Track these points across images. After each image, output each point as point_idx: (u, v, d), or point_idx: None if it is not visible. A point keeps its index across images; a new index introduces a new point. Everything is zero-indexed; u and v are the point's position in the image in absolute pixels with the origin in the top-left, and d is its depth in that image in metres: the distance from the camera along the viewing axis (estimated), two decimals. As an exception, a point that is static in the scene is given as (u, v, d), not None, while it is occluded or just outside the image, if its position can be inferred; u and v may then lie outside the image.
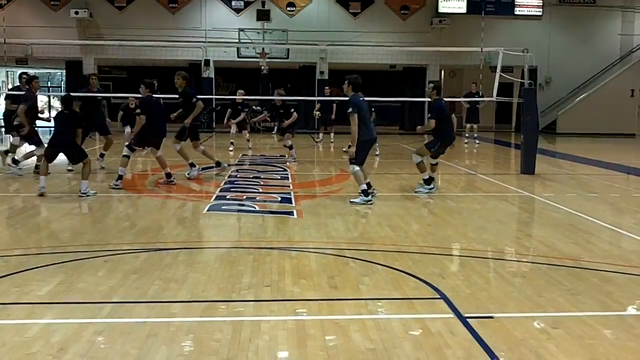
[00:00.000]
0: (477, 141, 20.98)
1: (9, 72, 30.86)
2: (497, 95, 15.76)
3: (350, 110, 9.24)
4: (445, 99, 11.15)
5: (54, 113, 33.33)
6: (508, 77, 16.28)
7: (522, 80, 14.10)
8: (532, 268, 6.18)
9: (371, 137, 9.60)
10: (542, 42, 26.69)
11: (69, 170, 12.37)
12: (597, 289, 5.40)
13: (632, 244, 7.36)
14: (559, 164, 16.01)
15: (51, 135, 10.12)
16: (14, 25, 23.19)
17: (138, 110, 10.71)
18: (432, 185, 10.51)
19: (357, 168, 9.42)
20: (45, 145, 10.39)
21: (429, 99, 10.93)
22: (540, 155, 14.41)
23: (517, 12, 27.39)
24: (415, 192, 10.51)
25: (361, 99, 9.46)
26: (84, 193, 9.65)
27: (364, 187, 9.43)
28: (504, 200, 10.17)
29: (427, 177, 10.53)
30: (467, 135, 21.54)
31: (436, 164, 10.86)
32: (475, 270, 5.94)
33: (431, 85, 10.93)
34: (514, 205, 9.91)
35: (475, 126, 21.24)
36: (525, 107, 13.50)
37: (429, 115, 10.68)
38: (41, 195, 9.54)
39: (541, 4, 27.42)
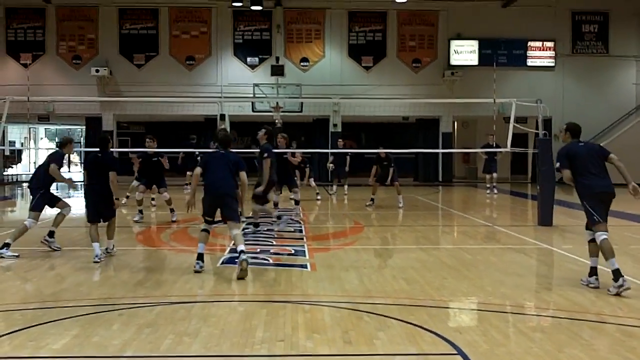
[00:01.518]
0: (495, 191, 20.92)
1: (32, 129, 31.46)
2: (511, 146, 15.75)
3: (265, 155, 10.61)
4: (460, 150, 11.05)
5: (73, 168, 33.86)
6: (522, 127, 16.31)
7: (537, 131, 14.09)
8: (552, 322, 6.05)
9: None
10: (556, 92, 26.81)
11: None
12: (620, 344, 5.26)
13: (653, 296, 7.19)
14: (577, 215, 15.78)
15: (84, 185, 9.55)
16: (38, 84, 23.77)
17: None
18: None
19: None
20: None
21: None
22: (558, 206, 14.28)
23: (529, 64, 27.61)
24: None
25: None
26: (109, 252, 9.26)
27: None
28: (521, 252, 10.04)
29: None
30: (487, 185, 21.52)
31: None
32: (494, 325, 5.82)
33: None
34: (532, 258, 9.77)
35: (494, 176, 21.23)
36: (540, 158, 13.45)
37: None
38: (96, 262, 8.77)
39: (554, 55, 27.63)
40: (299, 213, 13.95)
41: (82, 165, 10.21)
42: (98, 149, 9.40)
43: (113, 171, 9.08)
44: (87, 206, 9.39)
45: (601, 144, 7.69)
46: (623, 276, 6.97)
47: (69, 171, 32.47)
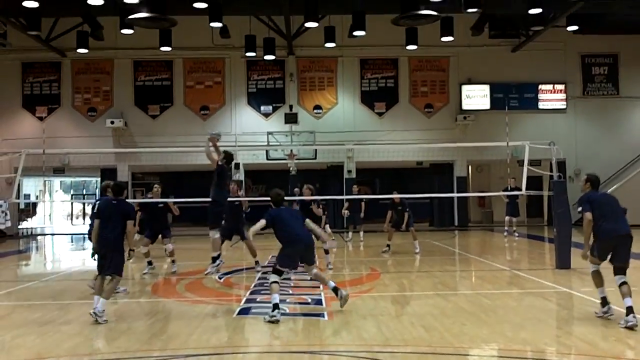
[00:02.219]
0: (516, 235, 20.86)
1: (47, 181, 31.81)
2: (526, 189, 15.70)
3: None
4: (475, 194, 11.05)
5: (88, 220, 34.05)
6: (536, 170, 16.27)
7: (551, 173, 14.04)
8: (574, 368, 5.94)
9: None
10: (568, 134, 26.80)
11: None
12: (644, 390, 5.16)
13: (677, 339, 7.06)
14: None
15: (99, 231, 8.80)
16: (53, 136, 24.15)
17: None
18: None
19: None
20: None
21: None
22: (575, 249, 14.11)
23: (540, 107, 27.66)
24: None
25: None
26: (99, 314, 8.32)
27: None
28: (540, 296, 9.92)
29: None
30: (506, 229, 21.50)
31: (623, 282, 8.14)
32: (514, 372, 5.73)
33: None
34: (551, 302, 9.65)
35: (514, 220, 21.38)
36: (556, 200, 13.40)
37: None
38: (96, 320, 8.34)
39: (565, 98, 27.69)
40: (329, 263, 13.74)
41: (93, 212, 9.70)
42: (113, 196, 9.09)
43: (130, 220, 8.73)
44: (98, 256, 8.83)
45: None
46: (609, 303, 8.09)
47: (83, 223, 32.70)
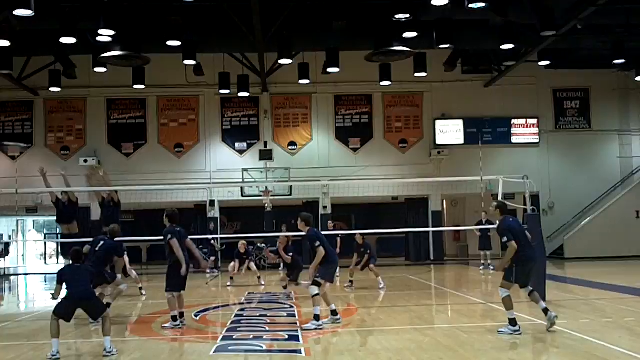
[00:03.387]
0: (492, 268, 20.99)
1: (20, 221, 31.34)
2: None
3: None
4: (450, 228, 11.26)
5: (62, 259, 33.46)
6: (510, 204, 16.41)
7: (525, 207, 14.19)
8: (551, 399, 5.93)
9: None
10: (541, 168, 27.20)
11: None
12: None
13: (652, 369, 7.11)
14: (569, 290, 15.79)
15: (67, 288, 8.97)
16: (26, 176, 23.83)
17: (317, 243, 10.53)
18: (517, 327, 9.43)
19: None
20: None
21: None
22: (550, 281, 14.25)
23: (514, 141, 28.04)
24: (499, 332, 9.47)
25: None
26: (109, 352, 8.47)
27: None
28: (516, 329, 9.92)
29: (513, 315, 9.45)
30: (482, 262, 21.70)
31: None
32: (492, 405, 5.71)
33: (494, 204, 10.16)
34: (527, 335, 9.64)
35: (488, 253, 21.72)
36: (529, 233, 13.49)
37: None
38: None
39: (537, 132, 28.12)
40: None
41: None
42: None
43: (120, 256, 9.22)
44: (65, 304, 8.81)
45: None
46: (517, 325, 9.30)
47: (57, 262, 32.18)
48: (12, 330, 11.37)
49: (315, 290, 10.25)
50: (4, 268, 29.69)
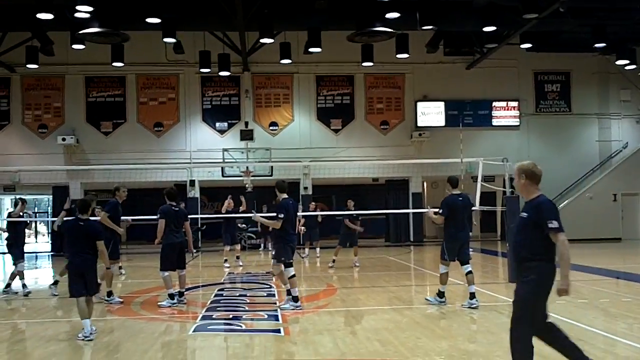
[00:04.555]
0: (471, 250, 21.16)
1: (-1, 198, 30.98)
2: (480, 204, 15.93)
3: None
4: (430, 210, 11.39)
5: (40, 239, 33.20)
6: (490, 186, 16.57)
7: (504, 189, 14.29)
8: (527, 379, 5.99)
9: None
10: (521, 150, 27.29)
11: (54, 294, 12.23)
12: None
13: (625, 349, 7.24)
14: (546, 271, 15.93)
15: (69, 255, 8.72)
16: (2, 154, 23.54)
17: None
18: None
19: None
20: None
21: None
22: (528, 263, 14.36)
23: (494, 124, 28.15)
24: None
25: None
26: (88, 336, 8.17)
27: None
28: (493, 310, 10.05)
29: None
30: None
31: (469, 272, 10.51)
32: (469, 383, 5.77)
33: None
34: (503, 315, 9.74)
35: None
36: (508, 215, 13.62)
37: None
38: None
39: (518, 115, 28.24)
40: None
41: (60, 233, 9.21)
42: (77, 215, 8.64)
43: (99, 240, 8.51)
44: (70, 278, 8.46)
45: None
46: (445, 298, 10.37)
47: (36, 241, 31.91)
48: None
49: (291, 271, 10.23)
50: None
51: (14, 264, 12.87)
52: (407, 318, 9.42)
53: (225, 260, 17.80)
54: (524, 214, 5.42)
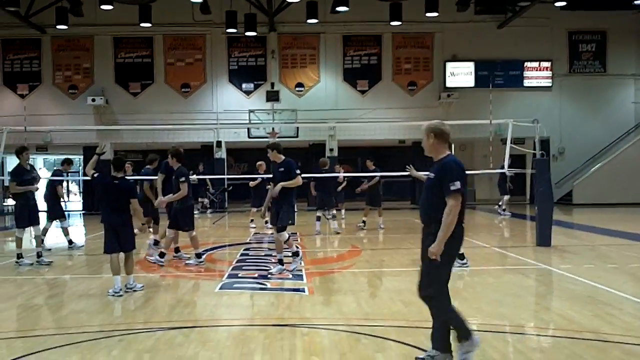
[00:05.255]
0: (503, 213, 21.22)
1: (32, 159, 31.36)
2: (509, 167, 15.74)
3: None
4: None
5: (72, 197, 33.73)
6: (519, 148, 16.31)
7: (534, 152, 14.06)
8: (551, 342, 5.99)
9: None
10: (553, 112, 26.84)
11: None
12: (619, 361, 5.21)
13: (654, 313, 7.15)
14: (576, 235, 15.81)
15: (103, 213, 8.83)
16: (35, 114, 23.81)
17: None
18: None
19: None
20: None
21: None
22: (557, 227, 14.24)
23: (526, 84, 27.63)
24: None
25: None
26: (131, 288, 8.62)
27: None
28: (519, 273, 9.98)
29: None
30: (503, 207, 21.62)
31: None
32: (492, 345, 5.76)
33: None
34: (530, 278, 9.71)
35: (505, 198, 21.67)
36: (538, 178, 13.42)
37: None
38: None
39: (551, 75, 27.66)
40: None
41: (94, 191, 9.40)
42: (112, 174, 8.77)
43: (134, 198, 8.70)
44: (105, 235, 8.70)
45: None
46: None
47: (68, 200, 32.40)
48: (23, 266, 11.53)
49: (285, 235, 9.98)
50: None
51: (54, 221, 13.46)
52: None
53: (252, 221, 17.93)
54: (432, 175, 5.23)
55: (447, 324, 5.14)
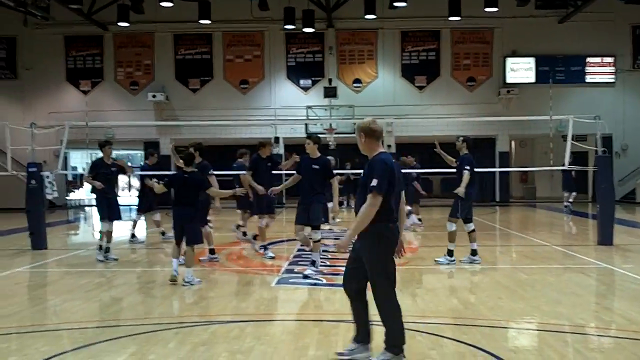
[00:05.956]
0: (568, 210, 20.75)
1: (92, 154, 32.31)
2: (571, 164, 15.40)
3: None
4: (517, 169, 11.24)
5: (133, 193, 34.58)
6: (580, 145, 15.94)
7: (596, 148, 13.72)
8: (611, 343, 5.86)
9: None
10: (616, 108, 26.06)
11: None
12: (683, 365, 5.07)
13: None
14: (638, 234, 15.35)
15: (172, 206, 9.12)
16: (97, 110, 24.52)
17: None
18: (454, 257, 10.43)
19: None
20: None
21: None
22: (619, 226, 13.87)
23: (588, 80, 26.91)
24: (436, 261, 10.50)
25: None
26: (189, 282, 8.74)
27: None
28: (580, 272, 9.77)
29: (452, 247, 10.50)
30: (565, 204, 21.15)
31: (473, 230, 10.57)
32: (549, 345, 5.68)
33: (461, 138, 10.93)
34: (590, 277, 9.49)
35: (570, 194, 21.21)
36: (599, 176, 13.10)
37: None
38: (173, 281, 8.78)
39: (613, 71, 26.87)
40: None
41: (166, 184, 9.61)
42: (183, 167, 9.09)
43: (206, 189, 9.19)
44: (174, 227, 9.03)
45: None
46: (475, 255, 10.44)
47: (130, 195, 33.26)
48: (86, 257, 11.93)
49: (319, 235, 9.63)
50: (79, 199, 30.95)
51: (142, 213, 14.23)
52: (488, 278, 9.32)
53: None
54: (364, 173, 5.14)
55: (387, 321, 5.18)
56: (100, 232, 11.29)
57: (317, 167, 9.52)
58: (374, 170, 5.00)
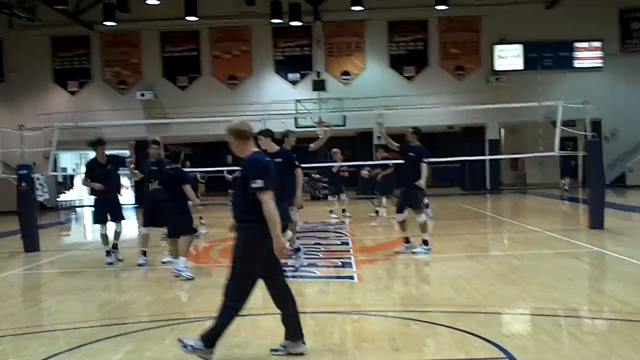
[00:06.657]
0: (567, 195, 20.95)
1: (82, 155, 32.21)
2: (560, 150, 15.45)
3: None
4: (508, 156, 11.23)
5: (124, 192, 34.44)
6: (569, 130, 16.00)
7: (585, 133, 13.78)
8: (604, 325, 5.92)
9: None
10: (605, 93, 26.10)
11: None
12: (676, 344, 5.12)
13: None
14: (629, 217, 15.46)
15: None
16: (85, 110, 24.43)
17: None
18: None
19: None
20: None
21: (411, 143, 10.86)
22: (610, 209, 13.95)
23: (576, 65, 27.01)
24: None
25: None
26: (180, 271, 8.84)
27: None
28: (572, 256, 9.83)
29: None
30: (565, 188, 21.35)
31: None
32: (543, 329, 5.72)
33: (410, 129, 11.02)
34: (582, 262, 9.56)
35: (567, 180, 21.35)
36: (589, 160, 13.18)
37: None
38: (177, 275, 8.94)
39: (601, 56, 26.96)
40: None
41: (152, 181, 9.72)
42: (168, 164, 9.44)
43: (186, 184, 9.12)
44: (166, 222, 9.47)
45: None
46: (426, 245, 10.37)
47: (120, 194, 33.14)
48: (78, 258, 11.92)
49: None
50: (70, 200, 30.84)
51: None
52: (482, 265, 9.35)
53: (331, 212, 17.73)
54: (239, 173, 5.19)
55: (288, 315, 5.29)
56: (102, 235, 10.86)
57: (279, 160, 8.91)
58: (253, 170, 5.03)
